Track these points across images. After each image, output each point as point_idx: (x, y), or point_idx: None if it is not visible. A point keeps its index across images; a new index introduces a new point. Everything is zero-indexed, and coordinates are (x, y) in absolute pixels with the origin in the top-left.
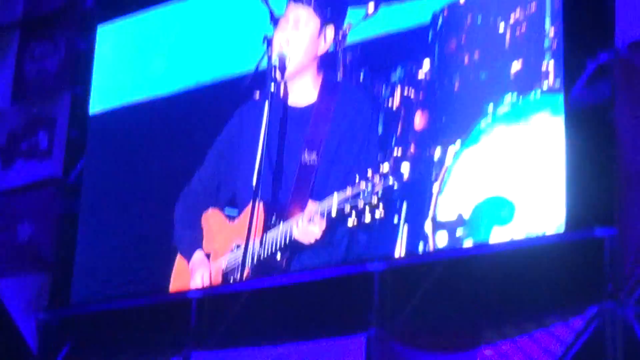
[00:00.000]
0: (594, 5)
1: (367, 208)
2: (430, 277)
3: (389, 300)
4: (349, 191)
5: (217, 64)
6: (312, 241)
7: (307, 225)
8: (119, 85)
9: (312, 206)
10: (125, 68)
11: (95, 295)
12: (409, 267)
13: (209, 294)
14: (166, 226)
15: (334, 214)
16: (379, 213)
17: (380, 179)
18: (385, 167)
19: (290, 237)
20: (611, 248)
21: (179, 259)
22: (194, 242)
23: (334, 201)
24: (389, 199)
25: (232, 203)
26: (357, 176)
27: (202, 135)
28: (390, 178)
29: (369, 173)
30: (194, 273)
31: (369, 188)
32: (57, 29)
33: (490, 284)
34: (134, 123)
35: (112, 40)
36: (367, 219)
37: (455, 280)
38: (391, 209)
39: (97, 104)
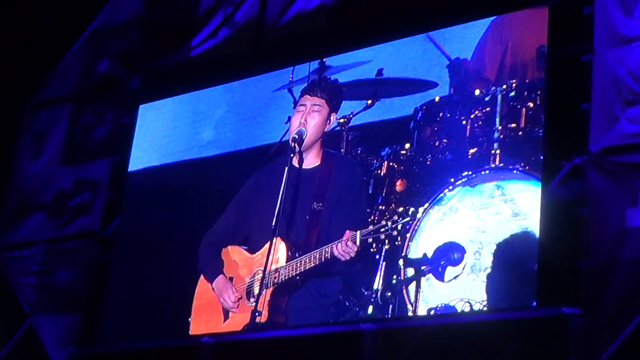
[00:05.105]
0: (572, 114)
1: (387, 240)
2: (411, 342)
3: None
4: (371, 227)
5: (248, 136)
6: (348, 258)
7: (346, 247)
8: (156, 150)
9: (348, 234)
10: (162, 136)
11: (121, 335)
12: (395, 329)
13: (219, 339)
14: (190, 276)
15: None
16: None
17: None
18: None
19: (328, 255)
20: (575, 325)
21: (202, 281)
22: (216, 269)
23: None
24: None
25: (245, 243)
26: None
27: (229, 194)
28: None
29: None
30: (221, 293)
31: (390, 224)
32: (104, 105)
33: (468, 350)
34: (166, 181)
35: (152, 113)
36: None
37: (433, 347)
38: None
39: (135, 165)
